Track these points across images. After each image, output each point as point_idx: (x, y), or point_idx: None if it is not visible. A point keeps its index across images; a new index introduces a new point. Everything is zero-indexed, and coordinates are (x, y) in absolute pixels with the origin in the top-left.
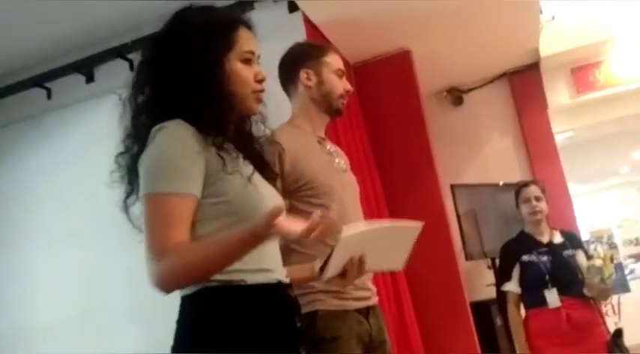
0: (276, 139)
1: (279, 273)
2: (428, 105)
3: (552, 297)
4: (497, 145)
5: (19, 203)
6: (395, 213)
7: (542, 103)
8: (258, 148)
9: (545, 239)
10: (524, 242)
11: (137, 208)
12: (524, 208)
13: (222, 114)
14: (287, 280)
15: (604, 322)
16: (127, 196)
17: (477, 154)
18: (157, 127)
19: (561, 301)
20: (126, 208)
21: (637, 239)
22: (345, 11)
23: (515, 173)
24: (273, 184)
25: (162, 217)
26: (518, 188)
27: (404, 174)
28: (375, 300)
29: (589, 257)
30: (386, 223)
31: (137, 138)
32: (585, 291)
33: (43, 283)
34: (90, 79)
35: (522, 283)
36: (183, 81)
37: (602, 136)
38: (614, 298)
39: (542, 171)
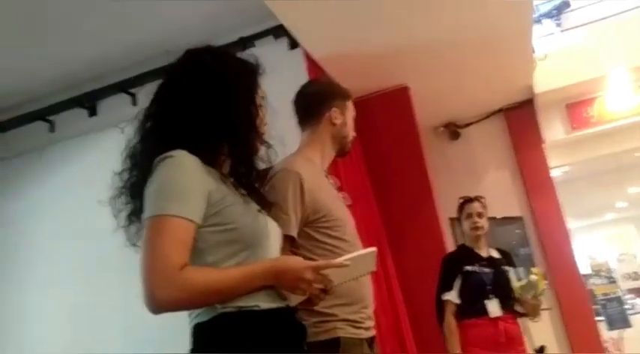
0: (296, 169)
1: (285, 296)
2: (426, 139)
3: (494, 306)
4: (494, 179)
5: (20, 234)
6: (395, 245)
7: (537, 138)
8: (258, 182)
9: (484, 254)
10: (466, 254)
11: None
12: (466, 223)
13: (249, 148)
14: (292, 303)
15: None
16: (130, 213)
17: (475, 187)
18: (163, 155)
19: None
20: (128, 224)
21: (636, 274)
22: (345, 48)
23: (512, 207)
24: (273, 217)
25: (166, 236)
26: (462, 203)
27: (403, 207)
28: (374, 331)
29: (519, 278)
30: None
31: (140, 163)
32: (517, 307)
33: (45, 319)
34: (92, 112)
35: (463, 293)
36: (210, 112)
37: (598, 171)
38: (616, 333)
39: (539, 205)
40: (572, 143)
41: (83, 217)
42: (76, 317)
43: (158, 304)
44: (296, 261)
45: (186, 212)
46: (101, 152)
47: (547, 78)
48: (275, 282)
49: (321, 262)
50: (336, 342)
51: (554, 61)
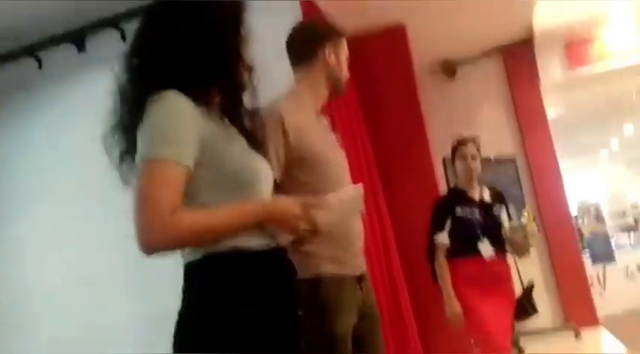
0: (279, 111)
1: (275, 235)
2: (421, 78)
3: (486, 248)
4: (489, 118)
5: (10, 172)
6: (387, 185)
7: (534, 77)
8: (248, 120)
9: (476, 196)
10: (457, 197)
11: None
12: (460, 165)
13: (235, 85)
14: (283, 244)
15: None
16: (122, 151)
17: (470, 127)
18: (155, 96)
19: None
20: (121, 162)
21: (624, 212)
22: None
23: (506, 146)
24: (263, 156)
25: (158, 180)
26: (456, 145)
27: (397, 146)
28: (364, 267)
29: (510, 216)
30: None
31: (130, 101)
32: (507, 247)
33: (41, 250)
34: (81, 48)
35: (455, 234)
36: (196, 49)
37: (594, 111)
38: (599, 268)
39: (533, 144)
40: (569, 83)
41: (73, 156)
42: (74, 251)
43: (149, 246)
44: (286, 199)
45: (179, 155)
46: (91, 89)
47: (547, 16)
48: (265, 219)
49: (309, 198)
50: (317, 280)
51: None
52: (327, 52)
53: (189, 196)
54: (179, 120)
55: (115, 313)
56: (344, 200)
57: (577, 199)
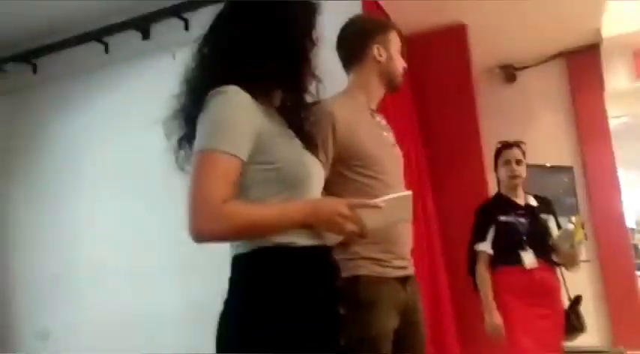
0: (330, 108)
1: (322, 235)
2: (480, 80)
3: (529, 257)
4: (547, 125)
5: (72, 155)
6: (437, 189)
7: (599, 85)
8: (305, 119)
9: (521, 202)
10: (501, 204)
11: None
12: (504, 171)
13: (299, 88)
14: (329, 243)
15: (566, 290)
16: (181, 137)
17: (527, 133)
18: (216, 89)
19: None
20: (179, 148)
21: None
22: None
23: (564, 155)
24: (316, 155)
25: (212, 171)
26: (500, 149)
27: (449, 150)
28: (412, 270)
29: (559, 225)
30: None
31: (196, 90)
32: (554, 257)
33: (91, 234)
34: (146, 36)
35: (498, 243)
36: (266, 47)
37: None
38: None
39: (592, 154)
40: (636, 93)
41: (133, 140)
42: (124, 239)
43: (200, 235)
44: (334, 199)
45: (234, 148)
46: (153, 76)
47: (616, 22)
48: (313, 219)
49: (356, 199)
50: (356, 280)
51: (626, 4)
52: (375, 49)
53: (242, 190)
54: (236, 114)
55: (161, 299)
56: (392, 204)
57: (636, 214)
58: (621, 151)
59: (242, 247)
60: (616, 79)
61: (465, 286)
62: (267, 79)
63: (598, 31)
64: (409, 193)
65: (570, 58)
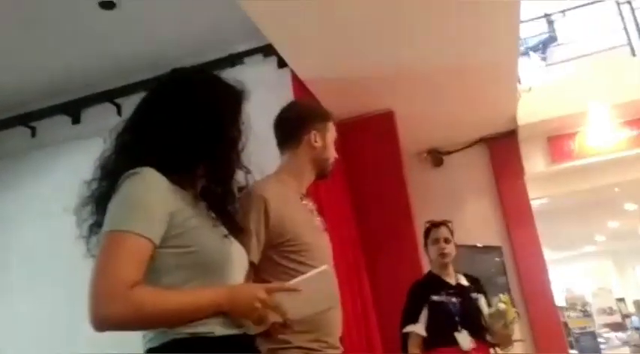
0: (261, 193)
1: (243, 323)
2: (409, 165)
3: (464, 339)
4: (475, 207)
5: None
6: (372, 269)
7: (519, 169)
8: (229, 204)
9: (452, 281)
10: (432, 283)
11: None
12: (433, 249)
13: (224, 172)
14: (251, 332)
15: None
16: (92, 224)
17: (456, 215)
18: (130, 171)
19: None
20: (89, 235)
21: (611, 309)
22: (332, 70)
23: (492, 236)
24: (241, 240)
25: (120, 252)
26: (428, 228)
27: (383, 232)
28: None
29: (489, 304)
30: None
31: (111, 175)
32: (488, 337)
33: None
34: (77, 120)
35: (431, 324)
36: (190, 134)
37: (578, 204)
38: None
39: (517, 235)
40: (552, 176)
41: (56, 225)
42: (42, 326)
43: (102, 322)
44: (251, 285)
45: (144, 230)
46: (82, 160)
47: (531, 110)
48: (229, 306)
49: (274, 283)
50: None
51: (538, 94)
52: (312, 135)
53: (154, 275)
54: (149, 196)
55: None
56: (311, 284)
57: (563, 293)
58: (544, 231)
59: (155, 340)
60: (534, 163)
61: None
62: (186, 163)
63: (514, 119)
64: (325, 266)
65: (491, 143)
